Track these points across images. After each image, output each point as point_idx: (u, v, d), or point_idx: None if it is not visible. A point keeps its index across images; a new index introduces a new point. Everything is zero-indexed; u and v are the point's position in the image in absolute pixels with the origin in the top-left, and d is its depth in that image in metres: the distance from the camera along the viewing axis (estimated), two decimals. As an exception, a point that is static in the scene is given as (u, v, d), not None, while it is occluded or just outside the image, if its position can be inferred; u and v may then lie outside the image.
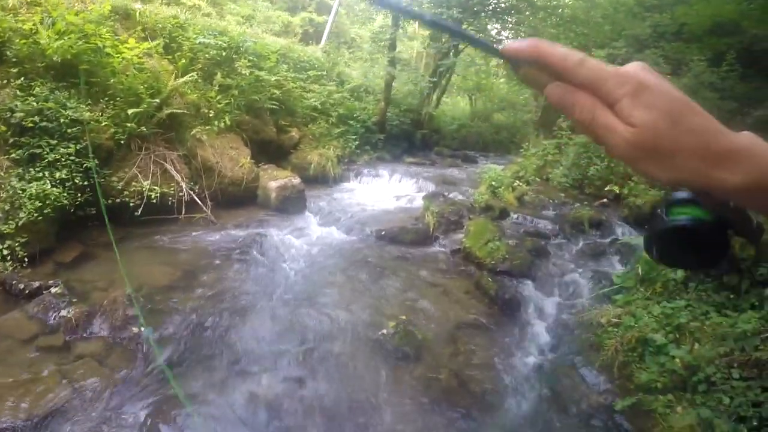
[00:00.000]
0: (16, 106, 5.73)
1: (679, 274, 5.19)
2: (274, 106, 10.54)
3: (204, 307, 5.05)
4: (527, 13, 17.08)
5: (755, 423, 3.51)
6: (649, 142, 0.52)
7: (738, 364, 3.95)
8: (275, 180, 8.65)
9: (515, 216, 9.13)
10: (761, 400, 3.64)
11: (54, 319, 4.55)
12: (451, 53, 16.50)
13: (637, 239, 7.11)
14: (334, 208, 9.04)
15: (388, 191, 10.70)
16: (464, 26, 16.54)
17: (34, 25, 6.41)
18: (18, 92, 5.90)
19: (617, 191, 10.26)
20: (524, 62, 0.58)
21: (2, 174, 5.48)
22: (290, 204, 8.54)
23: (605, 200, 10.48)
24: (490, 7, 17.06)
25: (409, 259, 7.13)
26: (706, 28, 13.68)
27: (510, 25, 18.98)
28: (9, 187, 5.36)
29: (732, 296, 4.77)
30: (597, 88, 0.54)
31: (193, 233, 6.95)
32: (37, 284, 4.93)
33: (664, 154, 0.53)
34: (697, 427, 3.72)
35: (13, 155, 5.64)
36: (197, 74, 8.56)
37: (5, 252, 5.13)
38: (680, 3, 14.70)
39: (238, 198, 8.36)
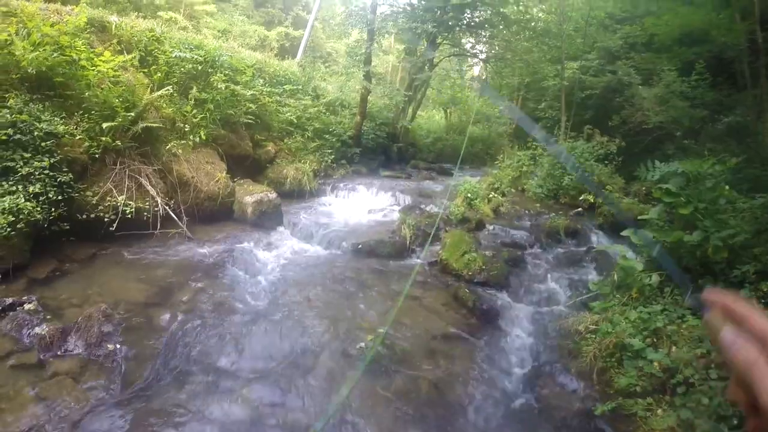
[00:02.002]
0: (-10, 118, 5.60)
1: (654, 279, 5.24)
2: (249, 121, 10.48)
3: (181, 324, 4.97)
4: (501, 26, 17.26)
5: (735, 422, 3.53)
6: None
7: (715, 364, 3.98)
8: (251, 195, 8.58)
9: (491, 227, 9.18)
10: (740, 398, 3.65)
11: (28, 336, 4.42)
12: (426, 67, 16.58)
13: (613, 246, 7.17)
14: (310, 223, 8.97)
15: (365, 205, 10.66)
16: (439, 40, 16.70)
17: (9, 36, 6.30)
18: (-8, 104, 5.76)
19: (592, 200, 10.39)
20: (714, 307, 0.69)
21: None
22: (267, 218, 8.49)
23: (580, 209, 10.61)
24: (464, 22, 17.22)
25: (387, 272, 7.10)
26: (675, 38, 14.00)
27: (484, 39, 19.19)
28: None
29: (707, 299, 4.81)
30: (765, 343, 0.63)
31: (169, 249, 6.85)
32: (10, 301, 4.79)
33: None
34: (678, 428, 3.73)
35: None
36: (173, 88, 8.46)
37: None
38: (649, 14, 15.03)
39: (214, 213, 8.26)
